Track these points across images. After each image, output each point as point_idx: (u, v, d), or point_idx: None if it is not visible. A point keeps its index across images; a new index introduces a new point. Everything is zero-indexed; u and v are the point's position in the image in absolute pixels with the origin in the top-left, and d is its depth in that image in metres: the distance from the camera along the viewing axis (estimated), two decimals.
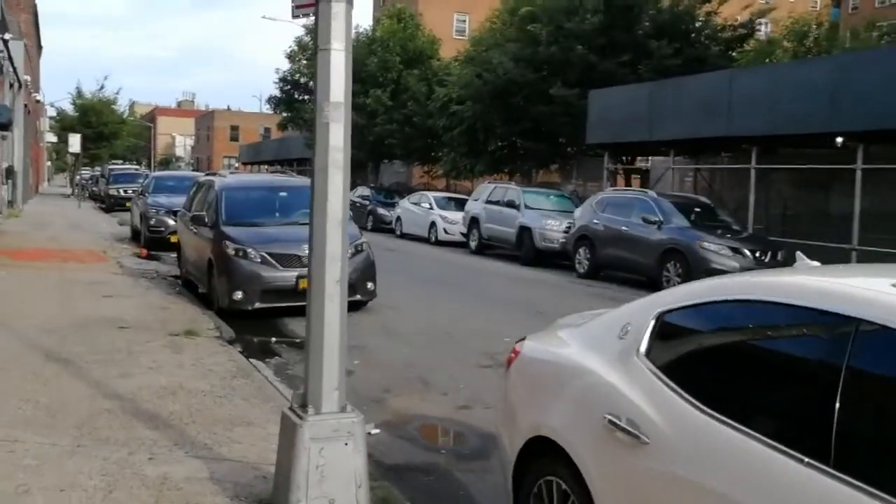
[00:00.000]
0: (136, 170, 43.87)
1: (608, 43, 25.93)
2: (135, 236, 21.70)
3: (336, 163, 4.40)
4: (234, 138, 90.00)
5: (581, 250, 16.85)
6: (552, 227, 18.50)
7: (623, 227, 15.67)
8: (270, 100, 38.34)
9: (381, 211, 28.88)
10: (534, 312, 12.05)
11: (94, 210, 35.92)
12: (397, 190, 35.42)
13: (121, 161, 56.28)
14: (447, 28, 51.83)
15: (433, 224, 24.27)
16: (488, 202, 21.27)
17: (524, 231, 19.08)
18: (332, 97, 4.35)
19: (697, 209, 15.59)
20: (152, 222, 19.35)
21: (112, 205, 36.34)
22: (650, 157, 25.71)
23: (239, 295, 10.68)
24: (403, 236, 25.83)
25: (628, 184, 28.64)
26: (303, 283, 10.74)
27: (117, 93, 56.51)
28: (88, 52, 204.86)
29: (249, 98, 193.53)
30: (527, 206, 19.62)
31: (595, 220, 16.55)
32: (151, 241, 19.35)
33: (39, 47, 56.06)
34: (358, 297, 11.35)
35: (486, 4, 52.19)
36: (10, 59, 27.65)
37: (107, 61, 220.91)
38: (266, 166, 66.00)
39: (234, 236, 11.10)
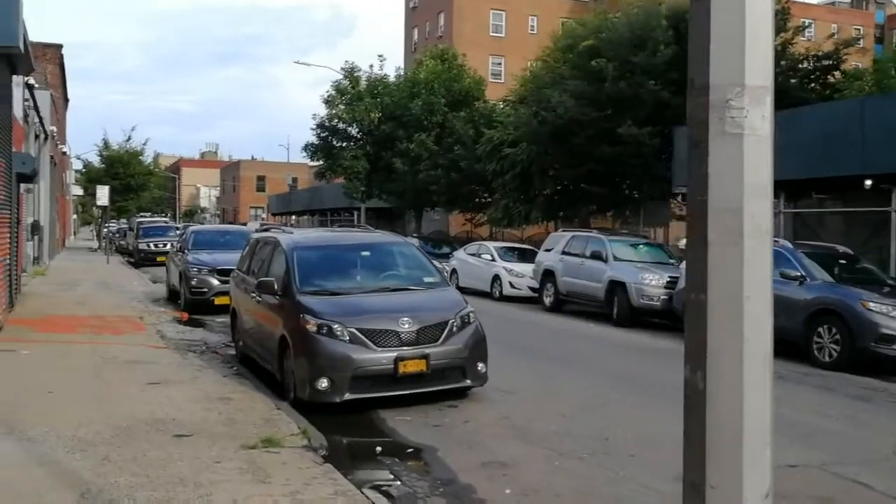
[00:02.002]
0: (166, 222, 42.00)
1: (681, 77, 23.79)
2: (172, 297, 19.53)
3: (759, 223, 2.09)
4: (261, 188, 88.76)
5: None
6: (651, 282, 16.07)
7: None
8: (307, 147, 36.30)
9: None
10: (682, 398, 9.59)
11: (122, 265, 33.90)
12: (443, 240, 33.25)
13: (148, 213, 54.50)
14: (483, 72, 50.22)
15: (496, 277, 21.91)
16: (565, 253, 18.92)
17: (616, 286, 16.66)
18: (750, 76, 2.09)
19: (842, 261, 13.16)
20: (194, 282, 17.12)
21: (141, 260, 34.38)
22: None
23: (324, 383, 8.34)
24: (460, 290, 23.42)
25: None
26: (403, 367, 8.46)
27: (144, 143, 54.49)
28: (111, 108, 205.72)
29: (273, 148, 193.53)
30: (615, 258, 17.23)
31: None
32: (193, 303, 17.13)
33: (66, 100, 54.83)
34: (468, 382, 9.03)
35: (523, 45, 50.79)
36: (37, 108, 25.90)
37: (129, 116, 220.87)
38: (294, 217, 64.34)
39: (315, 308, 8.80)
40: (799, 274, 12.47)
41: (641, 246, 18.39)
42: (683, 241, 31.14)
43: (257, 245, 11.59)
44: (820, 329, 11.87)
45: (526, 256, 23.06)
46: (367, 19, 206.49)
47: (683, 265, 15.30)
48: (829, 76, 24.76)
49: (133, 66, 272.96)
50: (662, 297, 15.85)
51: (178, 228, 40.14)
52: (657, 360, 12.55)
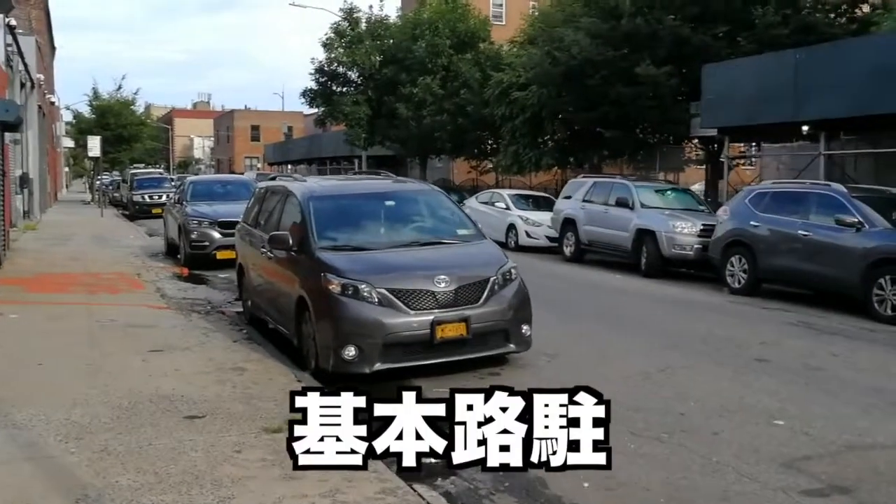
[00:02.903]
0: (161, 174, 40.72)
1: (702, 12, 22.52)
2: (170, 251, 18.47)
3: None
4: (256, 138, 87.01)
5: (734, 260, 13.38)
6: (683, 230, 15.00)
7: (801, 231, 12.17)
8: (306, 93, 34.74)
9: None
10: (749, 360, 8.62)
11: (117, 218, 32.79)
12: (449, 188, 32.09)
13: (142, 165, 53.08)
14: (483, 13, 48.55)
15: (512, 227, 20.86)
16: (587, 201, 17.83)
17: (644, 235, 15.61)
18: None
19: None
20: (194, 236, 16.05)
21: (137, 212, 33.32)
22: (760, 143, 22.25)
23: (351, 352, 7.33)
24: None
25: (715, 175, 25.23)
26: (441, 332, 7.46)
27: (136, 93, 52.95)
28: (99, 58, 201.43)
29: (266, 97, 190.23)
30: (642, 205, 16.15)
31: (754, 222, 13.05)
32: (193, 258, 16.09)
33: (53, 48, 52.97)
34: (512, 347, 8.02)
35: None
36: (21, 53, 24.45)
37: (118, 66, 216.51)
38: (290, 166, 62.92)
39: (338, 266, 7.75)
40: (856, 220, 11.41)
41: (669, 192, 17.31)
42: (697, 186, 30.10)
43: (266, 195, 10.48)
44: (881, 280, 10.84)
45: (541, 204, 22.02)
46: None
47: (721, 211, 14.30)
48: (856, 9, 23.43)
49: (121, 14, 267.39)
50: (696, 245, 14.81)
51: (172, 180, 38.94)
52: (701, 315, 11.57)
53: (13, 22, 18.46)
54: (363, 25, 33.62)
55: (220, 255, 15.72)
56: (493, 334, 7.82)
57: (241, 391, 6.99)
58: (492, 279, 7.89)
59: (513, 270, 8.21)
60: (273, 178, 11.16)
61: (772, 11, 21.00)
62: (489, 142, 33.01)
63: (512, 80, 27.50)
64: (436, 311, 7.49)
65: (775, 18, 20.95)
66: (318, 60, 34.13)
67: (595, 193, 17.73)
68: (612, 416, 6.40)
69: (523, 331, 8.01)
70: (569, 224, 18.24)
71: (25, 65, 26.61)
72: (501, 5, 52.13)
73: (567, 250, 18.35)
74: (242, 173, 55.69)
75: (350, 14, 33.38)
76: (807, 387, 7.49)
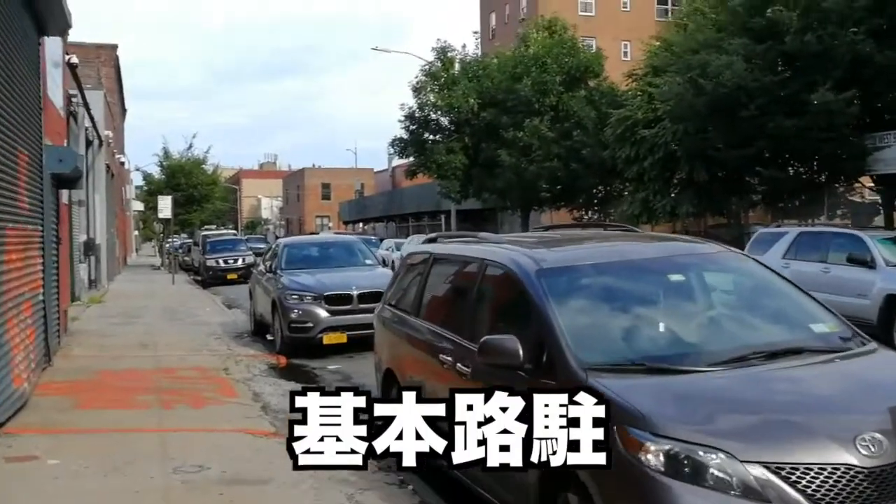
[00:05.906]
0: (236, 235, 37.86)
1: (887, 25, 18.63)
2: (258, 329, 14.95)
3: None
4: (327, 196, 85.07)
5: None
6: None
7: None
8: (395, 143, 31.57)
9: None
10: None
11: (189, 285, 29.72)
12: None
13: (213, 227, 50.59)
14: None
15: None
16: (791, 257, 13.78)
17: None
18: None
19: None
20: (294, 315, 12.42)
21: (210, 278, 30.25)
22: None
23: None
24: None
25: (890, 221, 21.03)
26: None
27: (207, 151, 50.58)
28: (165, 125, 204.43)
29: (332, 157, 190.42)
30: (887, 263, 12.07)
31: None
32: (293, 342, 12.50)
33: (123, 109, 51.32)
34: None
35: (615, 24, 45.89)
36: (87, 104, 21.66)
37: (185, 132, 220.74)
38: (362, 224, 60.03)
39: (645, 410, 3.83)
40: None
41: None
42: None
43: (432, 266, 6.74)
44: None
45: None
46: (422, 19, 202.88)
47: None
48: None
49: (185, 82, 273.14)
50: None
51: (246, 241, 36.08)
52: None
53: (74, 59, 15.41)
54: (457, 66, 30.37)
55: (328, 339, 12.23)
56: None
57: None
58: None
59: None
60: (434, 240, 7.40)
61: None
62: (598, 188, 29.29)
63: (638, 117, 23.80)
64: None
65: None
66: (407, 106, 30.92)
67: (802, 247, 13.67)
68: None
69: None
70: None
71: (92, 119, 23.89)
72: (591, 46, 48.83)
73: None
74: (316, 233, 52.92)
75: (444, 54, 30.14)
76: None
